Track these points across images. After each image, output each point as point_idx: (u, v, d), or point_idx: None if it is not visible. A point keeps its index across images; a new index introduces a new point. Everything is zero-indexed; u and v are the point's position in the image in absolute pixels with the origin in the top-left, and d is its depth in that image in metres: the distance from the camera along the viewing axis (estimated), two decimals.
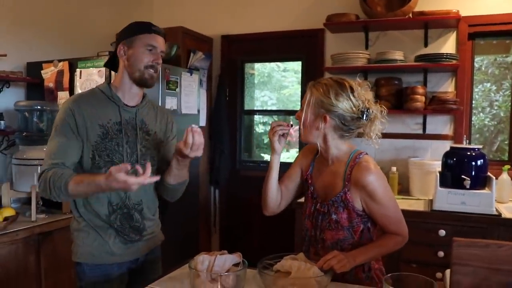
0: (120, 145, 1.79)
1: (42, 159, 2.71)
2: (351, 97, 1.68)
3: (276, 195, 1.86)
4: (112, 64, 1.94)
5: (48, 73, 3.09)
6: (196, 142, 1.66)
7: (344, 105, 1.67)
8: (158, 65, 1.84)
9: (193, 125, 1.68)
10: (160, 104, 2.95)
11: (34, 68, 3.17)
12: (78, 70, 2.97)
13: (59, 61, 3.05)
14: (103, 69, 2.85)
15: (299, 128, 1.75)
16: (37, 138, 2.87)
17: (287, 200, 1.91)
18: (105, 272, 1.81)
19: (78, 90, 2.94)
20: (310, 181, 1.83)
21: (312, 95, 1.70)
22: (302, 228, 1.88)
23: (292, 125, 1.76)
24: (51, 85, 3.08)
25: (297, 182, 1.91)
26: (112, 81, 1.90)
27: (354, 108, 1.68)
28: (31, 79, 3.14)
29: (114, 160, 1.77)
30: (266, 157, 4.31)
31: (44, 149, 2.75)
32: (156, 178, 1.64)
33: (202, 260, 1.56)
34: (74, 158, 1.75)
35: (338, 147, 1.75)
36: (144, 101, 1.92)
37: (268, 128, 4.37)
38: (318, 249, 1.75)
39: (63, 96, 3.02)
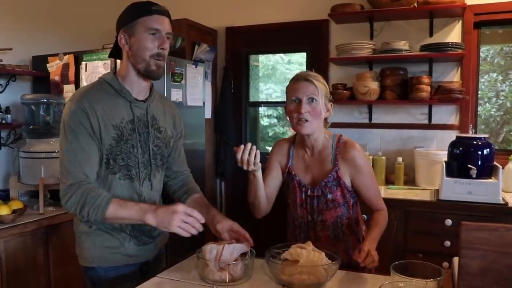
0: (134, 146, 1.67)
1: (49, 152, 2.78)
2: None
3: (265, 201, 1.88)
4: (117, 53, 1.73)
5: (54, 67, 3.10)
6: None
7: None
8: (164, 51, 1.64)
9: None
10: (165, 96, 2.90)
11: (40, 62, 3.18)
12: (83, 63, 2.98)
13: (65, 54, 3.06)
14: (109, 61, 2.86)
15: (305, 121, 1.75)
16: (44, 131, 2.88)
17: (273, 199, 1.95)
18: (120, 272, 1.71)
19: (84, 83, 2.95)
20: (293, 172, 1.88)
21: (317, 87, 1.75)
22: (292, 219, 1.95)
23: (251, 145, 1.69)
24: (57, 78, 3.09)
25: (279, 178, 1.94)
26: (118, 70, 1.72)
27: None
28: (37, 73, 3.16)
29: (129, 163, 1.66)
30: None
31: (51, 141, 2.84)
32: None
33: (210, 249, 1.57)
34: (97, 165, 1.61)
35: (324, 133, 1.86)
36: (153, 94, 1.77)
37: (273, 121, 4.39)
38: (318, 231, 1.86)
39: (69, 89, 3.03)
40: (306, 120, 1.74)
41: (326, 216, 1.83)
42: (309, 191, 1.84)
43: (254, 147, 1.67)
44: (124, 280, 1.70)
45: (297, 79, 1.80)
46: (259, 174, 1.77)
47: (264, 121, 4.41)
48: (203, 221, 1.53)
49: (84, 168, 1.57)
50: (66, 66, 3.05)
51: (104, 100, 1.63)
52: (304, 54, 3.99)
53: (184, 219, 1.50)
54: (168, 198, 1.96)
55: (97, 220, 1.56)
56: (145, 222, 1.53)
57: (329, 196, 1.81)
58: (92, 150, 1.59)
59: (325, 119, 1.85)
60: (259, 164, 1.71)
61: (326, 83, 1.83)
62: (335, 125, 3.66)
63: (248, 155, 1.64)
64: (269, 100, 4.34)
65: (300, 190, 1.86)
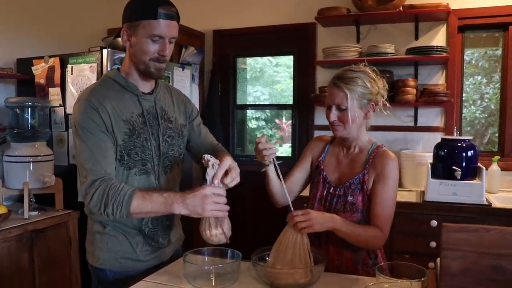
0: (148, 139, 1.64)
1: (35, 156, 2.75)
2: (377, 78, 1.77)
3: (280, 193, 1.84)
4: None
5: (39, 69, 3.07)
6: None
7: (377, 88, 1.75)
8: (165, 57, 1.59)
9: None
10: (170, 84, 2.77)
11: (25, 65, 3.15)
12: (69, 66, 2.96)
13: (50, 57, 3.04)
14: (95, 64, 2.84)
15: (337, 126, 1.74)
16: (29, 135, 2.86)
17: (296, 191, 1.94)
18: (129, 275, 1.66)
19: (70, 86, 2.93)
20: (322, 167, 1.86)
21: (346, 94, 1.68)
22: None
23: (272, 144, 1.72)
24: (42, 81, 3.07)
25: (307, 171, 1.93)
26: (121, 66, 1.70)
27: (385, 87, 1.79)
28: (22, 76, 3.13)
29: (144, 157, 1.64)
30: None
31: (36, 145, 2.81)
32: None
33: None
34: (114, 160, 1.57)
35: (365, 137, 1.82)
36: (159, 86, 1.73)
37: (261, 123, 4.40)
38: (329, 232, 1.76)
39: (54, 93, 3.01)
40: (338, 125, 1.74)
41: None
42: (332, 188, 1.79)
43: (273, 146, 1.69)
44: (130, 282, 1.66)
45: (330, 83, 1.75)
46: (270, 170, 1.77)
47: (252, 124, 4.42)
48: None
49: (102, 164, 1.52)
50: (51, 69, 3.03)
51: (112, 96, 1.60)
52: (291, 57, 4.01)
53: (215, 200, 1.49)
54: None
55: (122, 217, 1.50)
56: (174, 212, 1.51)
57: (350, 198, 1.74)
58: (108, 146, 1.55)
59: (369, 120, 1.79)
60: (271, 162, 1.73)
61: (371, 82, 1.73)
62: (320, 127, 3.69)
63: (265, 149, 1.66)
64: (257, 103, 4.35)
65: (324, 186, 1.82)
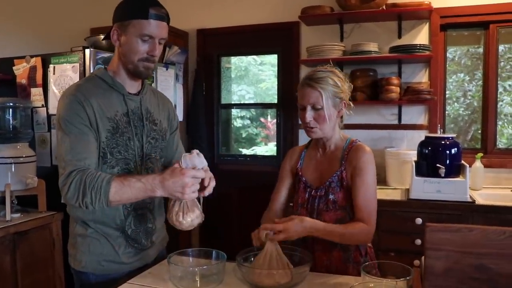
0: (131, 139, 1.64)
1: (16, 157, 2.71)
2: (344, 78, 1.79)
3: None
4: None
5: (20, 69, 3.03)
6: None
7: (346, 87, 1.78)
8: (154, 57, 1.61)
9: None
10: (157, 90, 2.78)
11: (5, 64, 3.10)
12: (51, 66, 2.91)
13: (32, 56, 2.99)
14: (77, 64, 2.81)
15: (312, 127, 1.75)
16: (11, 136, 2.81)
17: (289, 201, 1.94)
18: (112, 278, 1.65)
19: (52, 86, 2.89)
20: (300, 173, 1.87)
21: (321, 93, 1.70)
22: None
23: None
24: (24, 81, 3.02)
25: (291, 181, 1.93)
26: (109, 65, 1.70)
27: (350, 89, 1.81)
28: (3, 76, 3.07)
29: (127, 157, 1.63)
30: (244, 151, 4.32)
31: (18, 146, 2.77)
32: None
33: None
34: (95, 154, 1.56)
35: (338, 134, 1.84)
36: (145, 87, 1.75)
37: (246, 122, 4.39)
38: None
39: (36, 93, 2.96)
40: (313, 127, 1.75)
41: (325, 218, 1.73)
42: (313, 191, 1.80)
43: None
44: (113, 285, 1.65)
45: (302, 84, 1.76)
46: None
47: (237, 123, 4.41)
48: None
49: (83, 155, 1.51)
50: (33, 69, 2.98)
51: (98, 93, 1.60)
52: (275, 56, 4.01)
53: (195, 184, 1.46)
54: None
55: (101, 206, 1.47)
56: (155, 196, 1.50)
57: (331, 197, 1.75)
58: (90, 140, 1.54)
59: (341, 117, 1.82)
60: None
61: (341, 81, 1.75)
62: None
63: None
64: (242, 102, 4.34)
65: (305, 191, 1.83)
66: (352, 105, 1.82)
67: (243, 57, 4.32)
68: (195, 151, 1.50)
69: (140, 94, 1.72)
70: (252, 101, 4.31)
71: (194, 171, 1.47)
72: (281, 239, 1.56)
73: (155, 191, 1.47)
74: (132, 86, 1.70)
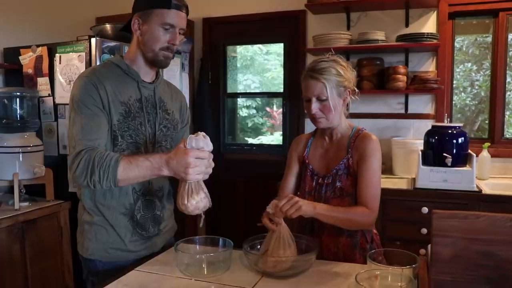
0: (142, 124, 1.67)
1: (24, 147, 2.73)
2: (347, 65, 1.78)
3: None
4: (129, 29, 1.70)
5: (27, 59, 3.03)
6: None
7: (349, 75, 1.77)
8: (174, 46, 1.65)
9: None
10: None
11: (12, 54, 3.11)
12: (57, 55, 2.92)
13: (38, 46, 2.99)
14: (83, 54, 2.81)
15: (319, 118, 1.75)
16: (18, 125, 2.82)
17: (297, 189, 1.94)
18: (119, 266, 1.67)
19: (58, 75, 2.90)
20: (307, 161, 1.88)
21: (324, 84, 1.70)
22: None
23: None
24: (30, 71, 3.03)
25: (298, 170, 1.93)
26: (125, 54, 1.74)
27: (354, 76, 1.80)
28: (9, 65, 3.08)
29: (138, 141, 1.66)
30: (250, 140, 4.32)
31: (26, 136, 2.79)
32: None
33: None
34: (106, 135, 1.58)
35: (345, 123, 1.84)
36: (160, 77, 1.79)
37: (251, 111, 4.39)
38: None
39: (43, 82, 2.97)
40: (320, 117, 1.75)
41: (332, 205, 1.72)
42: (320, 179, 1.81)
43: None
44: (120, 272, 1.66)
45: (305, 76, 1.76)
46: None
47: (243, 112, 4.40)
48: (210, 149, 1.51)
49: (94, 136, 1.54)
50: (39, 59, 2.99)
51: (112, 78, 1.64)
52: (281, 45, 3.99)
53: (197, 164, 1.47)
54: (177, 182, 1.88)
55: (109, 185, 1.49)
56: (162, 175, 1.51)
57: (338, 184, 1.76)
58: (102, 121, 1.57)
59: (347, 105, 1.82)
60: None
61: (344, 69, 1.75)
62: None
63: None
64: (247, 91, 4.33)
65: (312, 178, 1.84)
66: (357, 91, 1.81)
67: (249, 46, 4.31)
68: (202, 133, 1.50)
69: (154, 83, 1.74)
70: (257, 91, 4.30)
71: (197, 151, 1.47)
72: (294, 215, 1.56)
73: (162, 169, 1.49)
74: (147, 75, 1.73)
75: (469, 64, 3.60)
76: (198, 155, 1.47)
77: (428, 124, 3.25)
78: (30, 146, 2.76)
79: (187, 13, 1.68)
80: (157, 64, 1.68)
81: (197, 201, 1.52)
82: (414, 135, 3.48)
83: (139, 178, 1.52)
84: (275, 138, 4.27)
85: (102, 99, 1.58)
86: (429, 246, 1.24)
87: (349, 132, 1.83)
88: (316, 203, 1.66)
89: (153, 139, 1.70)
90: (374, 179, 1.74)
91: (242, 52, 4.36)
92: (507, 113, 3.47)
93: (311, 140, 1.93)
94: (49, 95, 2.97)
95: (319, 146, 1.89)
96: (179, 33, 1.65)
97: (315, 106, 1.74)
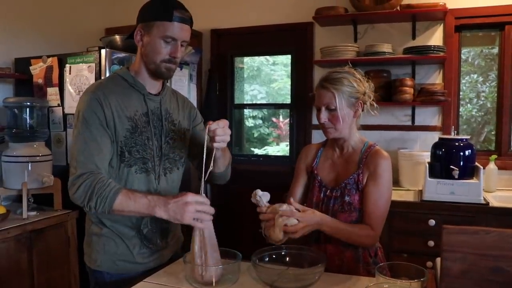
0: (149, 138, 1.66)
1: (33, 156, 2.75)
2: (363, 79, 1.78)
3: None
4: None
5: (37, 69, 3.07)
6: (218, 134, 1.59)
7: (364, 88, 1.77)
8: (176, 59, 1.63)
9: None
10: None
11: (23, 64, 3.14)
12: (67, 65, 2.95)
13: (48, 56, 3.03)
14: (93, 64, 2.84)
15: (328, 127, 1.76)
16: (27, 135, 2.85)
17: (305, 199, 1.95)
18: (127, 278, 1.67)
19: (68, 86, 2.93)
20: (316, 172, 1.88)
21: (334, 94, 1.71)
22: None
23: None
24: (40, 81, 3.06)
25: (306, 181, 1.94)
26: (131, 65, 1.73)
27: (371, 88, 1.80)
28: (20, 75, 3.12)
29: (145, 156, 1.65)
30: (256, 151, 4.33)
31: (35, 145, 2.81)
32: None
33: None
34: (108, 157, 1.59)
35: (356, 136, 1.84)
36: (165, 89, 1.78)
37: (258, 122, 4.41)
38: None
39: (52, 92, 3.00)
40: (329, 127, 1.76)
41: (340, 219, 1.73)
42: (328, 191, 1.81)
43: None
44: (128, 284, 1.66)
45: (317, 86, 1.78)
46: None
47: (249, 123, 4.42)
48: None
49: (95, 158, 1.54)
50: (49, 69, 3.02)
51: (118, 92, 1.63)
52: (288, 56, 4.01)
53: (198, 209, 1.47)
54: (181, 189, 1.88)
55: (103, 212, 1.51)
56: (155, 215, 1.49)
57: (347, 198, 1.76)
58: (104, 142, 1.57)
59: (358, 119, 1.81)
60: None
61: (357, 82, 1.74)
62: (317, 127, 3.69)
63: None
64: (254, 102, 4.35)
65: (320, 190, 1.84)
66: (375, 105, 1.81)
67: (256, 58, 4.34)
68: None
69: (160, 95, 1.74)
70: (264, 101, 4.32)
71: (196, 196, 1.49)
72: (299, 235, 1.57)
73: (156, 209, 1.48)
74: (153, 87, 1.72)
75: (475, 76, 3.61)
76: (199, 199, 1.49)
77: (434, 136, 3.25)
78: (39, 156, 2.79)
79: (191, 25, 1.66)
80: (160, 75, 1.66)
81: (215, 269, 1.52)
82: (421, 147, 3.48)
83: (134, 213, 1.53)
84: (281, 148, 4.28)
85: (107, 116, 1.57)
86: (438, 260, 1.25)
87: (361, 146, 1.82)
88: (324, 215, 1.66)
89: (159, 152, 1.70)
90: (382, 199, 1.74)
91: (249, 62, 4.39)
92: None
93: (321, 151, 1.92)
94: (58, 105, 3.00)
95: (329, 157, 1.89)
96: (182, 45, 1.64)
97: (324, 115, 1.75)
